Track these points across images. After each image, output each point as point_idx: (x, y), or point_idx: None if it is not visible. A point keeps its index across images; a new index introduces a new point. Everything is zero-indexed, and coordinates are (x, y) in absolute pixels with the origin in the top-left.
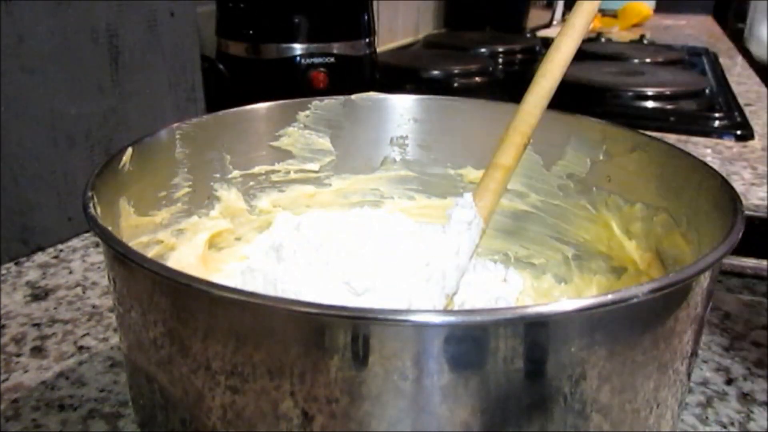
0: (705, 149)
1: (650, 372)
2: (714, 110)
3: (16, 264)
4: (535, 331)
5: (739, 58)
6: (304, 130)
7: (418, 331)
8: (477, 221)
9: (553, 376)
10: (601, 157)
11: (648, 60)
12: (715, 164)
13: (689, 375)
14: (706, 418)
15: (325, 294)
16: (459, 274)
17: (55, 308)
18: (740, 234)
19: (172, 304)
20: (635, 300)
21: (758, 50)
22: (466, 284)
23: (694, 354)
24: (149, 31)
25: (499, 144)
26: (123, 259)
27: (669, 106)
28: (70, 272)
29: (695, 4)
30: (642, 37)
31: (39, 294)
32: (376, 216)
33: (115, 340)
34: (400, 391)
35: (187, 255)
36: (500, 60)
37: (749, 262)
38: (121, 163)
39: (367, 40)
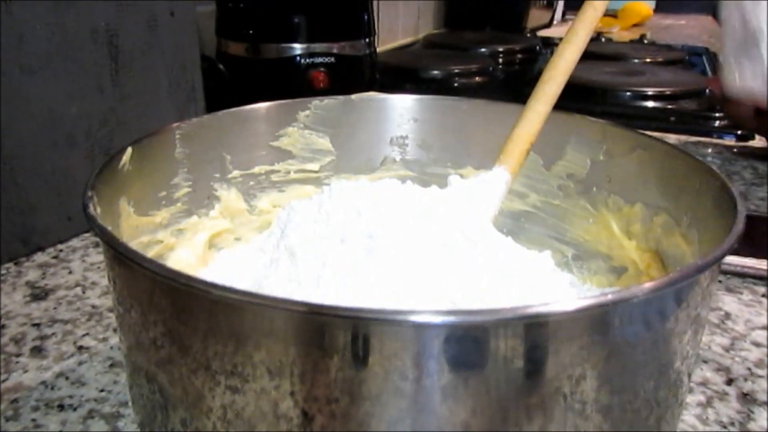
0: (705, 149)
1: (650, 372)
2: (714, 110)
3: (16, 264)
4: (535, 331)
5: None
6: (304, 130)
7: (418, 331)
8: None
9: (553, 376)
10: (601, 157)
11: (648, 60)
12: (715, 164)
13: (689, 375)
14: (706, 418)
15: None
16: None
17: (54, 308)
18: (740, 234)
19: (172, 304)
20: (635, 300)
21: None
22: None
23: (694, 354)
24: (149, 31)
25: (502, 149)
26: (123, 259)
27: (669, 106)
28: (70, 272)
29: (695, 4)
30: (642, 37)
31: (39, 294)
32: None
33: (115, 340)
34: (400, 391)
35: (186, 255)
36: (500, 60)
37: (749, 262)
38: (121, 163)
39: (367, 40)
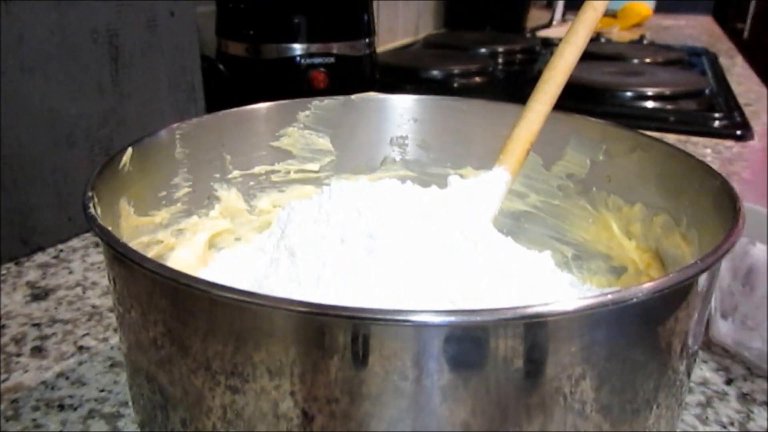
0: (705, 149)
1: (650, 372)
2: (714, 110)
3: (16, 264)
4: (535, 331)
5: (739, 58)
6: (304, 130)
7: (418, 331)
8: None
9: (553, 376)
10: (601, 157)
11: (648, 60)
12: (715, 164)
13: (689, 375)
14: (706, 418)
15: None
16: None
17: (55, 308)
18: (740, 234)
19: (172, 304)
20: (635, 300)
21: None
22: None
23: (694, 354)
24: (149, 31)
25: (502, 149)
26: (123, 259)
27: (669, 106)
28: (70, 272)
29: (695, 4)
30: (642, 37)
31: (39, 294)
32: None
33: (115, 340)
34: (400, 391)
35: (186, 255)
36: (500, 60)
37: None
38: (121, 163)
39: (367, 40)
